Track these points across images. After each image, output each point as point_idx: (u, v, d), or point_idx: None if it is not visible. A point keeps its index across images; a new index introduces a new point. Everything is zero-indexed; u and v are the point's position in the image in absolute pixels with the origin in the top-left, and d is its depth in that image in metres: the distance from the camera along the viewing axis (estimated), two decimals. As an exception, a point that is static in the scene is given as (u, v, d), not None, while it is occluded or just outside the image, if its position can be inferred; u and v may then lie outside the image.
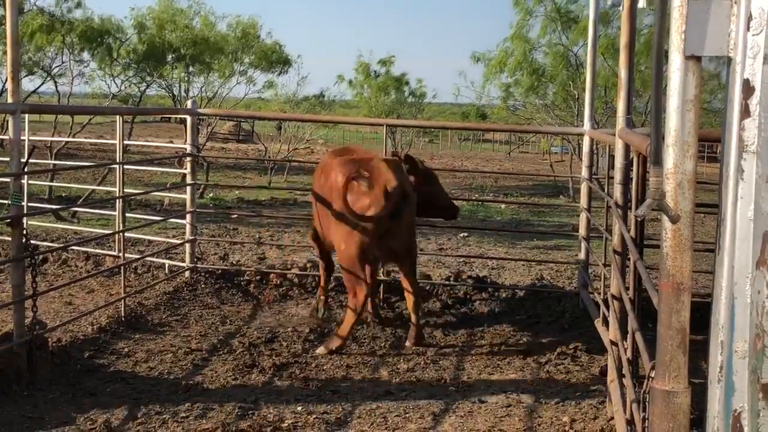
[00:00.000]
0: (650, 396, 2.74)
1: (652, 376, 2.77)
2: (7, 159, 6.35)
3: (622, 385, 4.97)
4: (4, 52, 9.94)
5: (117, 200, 8.50)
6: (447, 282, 9.36)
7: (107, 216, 13.49)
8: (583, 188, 9.04)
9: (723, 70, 2.63)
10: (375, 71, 31.86)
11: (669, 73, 2.59)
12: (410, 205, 7.29)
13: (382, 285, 8.94)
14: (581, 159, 9.33)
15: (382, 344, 7.49)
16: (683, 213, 2.60)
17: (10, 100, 6.18)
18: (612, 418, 5.52)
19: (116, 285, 8.88)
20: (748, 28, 2.46)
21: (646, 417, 2.96)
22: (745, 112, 2.47)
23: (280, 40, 26.24)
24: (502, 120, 28.76)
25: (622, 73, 5.68)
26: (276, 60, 26.12)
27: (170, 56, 23.02)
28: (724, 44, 2.51)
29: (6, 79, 6.26)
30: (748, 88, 2.46)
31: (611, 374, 5.62)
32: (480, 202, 20.99)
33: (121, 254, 8.54)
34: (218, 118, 25.69)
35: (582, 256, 9.01)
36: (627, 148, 5.64)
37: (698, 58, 2.53)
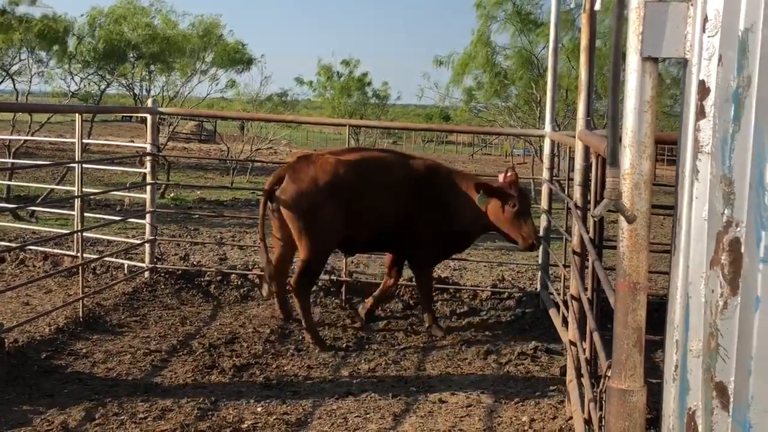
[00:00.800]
0: (607, 395, 2.76)
1: (609, 375, 2.78)
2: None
3: (580, 385, 5.01)
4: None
5: (76, 200, 8.41)
6: (409, 282, 9.36)
7: (66, 215, 13.34)
8: (544, 190, 9.10)
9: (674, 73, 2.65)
10: (338, 72, 31.86)
11: (626, 75, 2.61)
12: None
13: (344, 286, 8.94)
14: (542, 161, 9.39)
15: (344, 345, 7.48)
16: (640, 213, 2.62)
17: (-35, 97, 6.09)
18: (571, 418, 5.57)
19: (74, 285, 8.78)
20: (703, 30, 2.49)
21: (603, 416, 2.99)
22: (701, 113, 2.50)
23: (242, 39, 26.15)
24: (465, 122, 28.84)
25: (583, 75, 5.73)
26: (239, 59, 26.01)
27: (131, 55, 22.81)
28: (680, 46, 2.54)
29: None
30: (703, 89, 2.48)
31: (570, 374, 5.66)
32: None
33: (79, 254, 8.44)
34: (180, 117, 25.52)
35: (542, 257, 9.08)
36: (587, 149, 5.69)
37: (655, 60, 2.55)
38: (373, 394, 6.24)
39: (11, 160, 15.65)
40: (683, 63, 2.56)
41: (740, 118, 2.43)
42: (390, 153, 8.79)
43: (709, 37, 2.49)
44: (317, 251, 7.43)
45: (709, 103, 2.48)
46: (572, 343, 5.55)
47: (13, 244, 10.52)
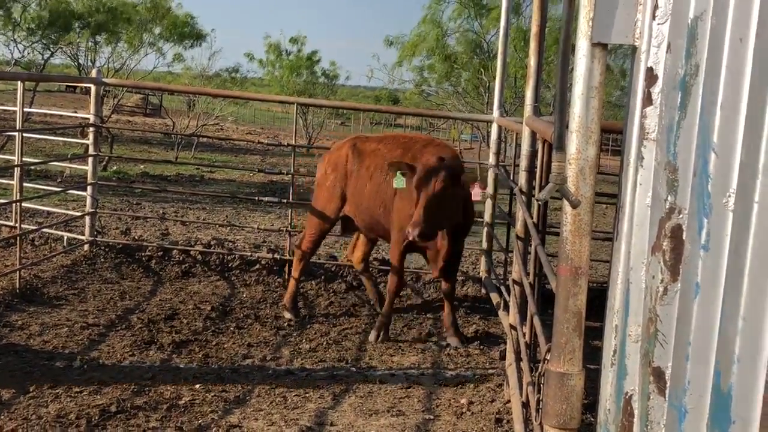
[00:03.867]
0: (545, 378, 2.78)
1: (548, 358, 2.80)
2: None
3: (519, 369, 5.06)
4: None
5: (16, 169, 8.23)
6: (352, 263, 9.35)
7: (4, 185, 13.05)
8: (490, 175, 9.14)
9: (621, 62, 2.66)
10: (286, 50, 31.62)
11: (575, 60, 2.62)
12: None
13: (286, 265, 8.90)
14: (489, 146, 9.43)
15: (285, 324, 7.45)
16: (584, 198, 2.63)
17: None
18: (509, 401, 5.62)
19: (12, 256, 8.60)
20: (653, 17, 2.51)
21: (541, 399, 3.01)
22: (647, 100, 2.51)
23: (191, 12, 25.75)
24: (414, 105, 28.85)
25: (532, 61, 5.75)
26: (188, 34, 25.65)
27: (76, 24, 22.35)
28: (630, 32, 2.55)
29: None
30: (651, 77, 2.50)
31: (509, 358, 5.71)
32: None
33: (17, 225, 8.27)
34: (125, 89, 25.12)
35: (486, 242, 9.13)
36: (533, 135, 5.73)
37: (604, 46, 2.56)
38: (313, 374, 6.23)
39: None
40: (632, 50, 2.58)
41: (686, 105, 2.45)
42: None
43: (658, 24, 2.50)
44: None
45: (657, 90, 2.50)
46: (512, 327, 5.59)
47: (-51, 213, 10.29)
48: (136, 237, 10.21)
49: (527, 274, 5.16)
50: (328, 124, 40.72)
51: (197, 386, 5.76)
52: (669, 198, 2.49)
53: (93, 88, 9.46)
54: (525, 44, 20.45)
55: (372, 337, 7.23)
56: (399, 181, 6.92)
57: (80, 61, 23.87)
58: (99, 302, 7.69)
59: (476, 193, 6.89)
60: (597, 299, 3.25)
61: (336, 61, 43.11)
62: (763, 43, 2.36)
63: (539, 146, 5.17)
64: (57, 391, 5.49)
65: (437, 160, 6.73)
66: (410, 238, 6.55)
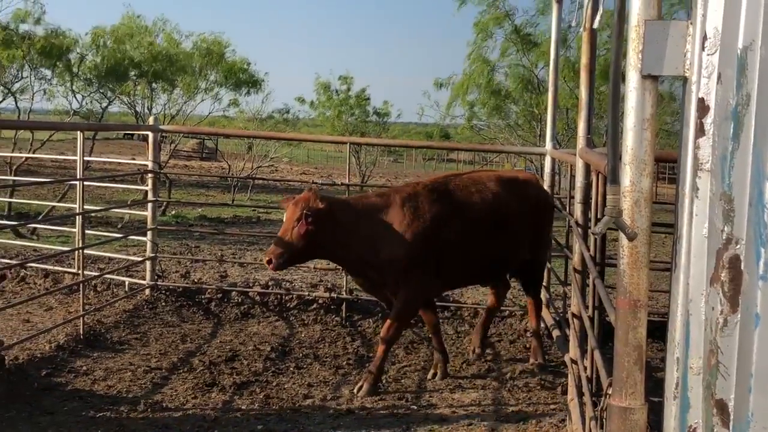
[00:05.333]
0: (608, 413, 2.75)
1: (610, 393, 2.78)
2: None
3: (581, 403, 5.00)
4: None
5: (77, 217, 8.41)
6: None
7: (67, 233, 13.36)
8: (545, 208, 9.09)
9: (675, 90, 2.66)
10: (336, 89, 31.87)
11: (626, 93, 2.62)
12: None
13: (344, 303, 8.94)
14: (543, 179, 9.39)
15: (344, 363, 7.46)
16: (640, 230, 2.62)
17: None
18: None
19: (75, 302, 8.77)
20: (703, 48, 2.50)
21: (604, 434, 2.97)
22: (700, 131, 2.50)
23: (247, 58, 26.09)
24: (466, 140, 28.84)
25: (583, 93, 5.74)
26: (245, 80, 25.95)
27: (133, 73, 22.81)
28: (680, 64, 2.55)
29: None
30: (703, 107, 2.49)
31: (571, 392, 5.65)
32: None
33: (80, 271, 8.44)
34: (181, 135, 25.52)
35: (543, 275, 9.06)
36: (587, 167, 5.70)
37: (655, 78, 2.56)
38: (373, 413, 6.23)
39: (13, 178, 15.68)
40: (683, 81, 2.57)
41: (739, 135, 2.44)
42: None
43: (708, 55, 2.50)
44: None
45: (709, 120, 2.48)
46: (573, 361, 5.54)
47: (14, 262, 10.50)
48: (195, 280, 10.34)
49: (586, 307, 5.12)
50: (381, 161, 40.93)
51: (259, 428, 5.79)
52: (726, 228, 2.47)
53: (151, 135, 9.66)
54: (574, 75, 20.38)
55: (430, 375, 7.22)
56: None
57: (137, 108, 24.32)
58: (161, 346, 7.79)
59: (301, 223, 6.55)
60: (658, 330, 3.21)
61: (388, 100, 43.36)
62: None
63: (593, 178, 5.15)
64: (122, 435, 5.57)
65: (307, 190, 6.76)
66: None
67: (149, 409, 6.05)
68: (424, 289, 6.99)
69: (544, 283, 8.96)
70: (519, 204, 7.34)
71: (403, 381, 7.06)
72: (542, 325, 7.88)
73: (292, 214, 6.53)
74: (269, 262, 6.47)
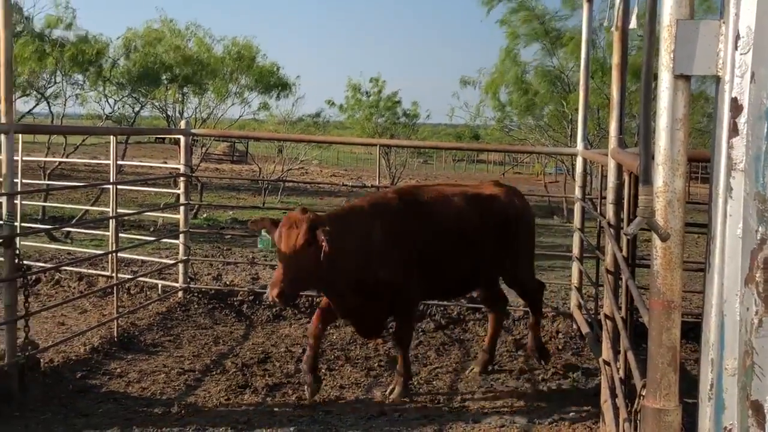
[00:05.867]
0: (642, 414, 2.74)
1: (644, 394, 2.76)
2: (0, 179, 6.37)
3: (615, 405, 4.97)
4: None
5: (110, 220, 8.49)
6: (441, 302, 9.36)
7: (100, 236, 13.49)
8: (577, 208, 9.07)
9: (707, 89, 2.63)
10: (366, 92, 31.87)
11: (658, 93, 2.60)
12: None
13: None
14: (575, 179, 9.35)
15: (376, 365, 7.47)
16: (673, 231, 2.61)
17: (3, 121, 6.20)
18: (605, 438, 5.52)
19: (109, 305, 8.85)
20: (736, 47, 2.48)
21: (638, 435, 2.96)
22: (734, 131, 2.48)
23: (277, 62, 26.11)
24: (496, 141, 28.76)
25: (614, 93, 5.71)
26: (275, 84, 26.00)
27: (164, 77, 22.94)
28: (712, 63, 2.52)
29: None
30: (736, 107, 2.47)
31: (604, 394, 5.61)
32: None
33: (114, 274, 8.52)
34: (212, 138, 25.68)
35: (575, 276, 9.03)
36: (619, 167, 5.67)
37: (687, 77, 2.54)
38: (405, 415, 6.23)
39: (47, 182, 15.84)
40: (715, 80, 2.55)
41: (774, 135, 2.41)
42: None
43: (741, 54, 2.48)
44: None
45: (742, 120, 2.46)
46: (606, 362, 5.51)
47: (49, 265, 10.64)
48: (227, 282, 10.40)
49: (619, 308, 5.09)
50: (411, 163, 40.88)
51: (291, 429, 5.82)
52: (760, 229, 2.44)
53: (182, 138, 9.73)
54: (603, 75, 20.25)
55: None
56: (263, 242, 6.46)
57: (168, 112, 24.46)
58: (194, 348, 7.84)
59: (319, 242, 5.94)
60: (692, 331, 3.19)
61: (417, 101, 43.21)
62: None
63: (625, 178, 5.12)
64: (156, 437, 5.61)
65: (300, 210, 6.20)
66: (269, 301, 6.17)
67: (183, 411, 6.10)
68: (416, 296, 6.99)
69: (576, 284, 8.93)
70: (483, 219, 7.15)
71: (434, 383, 7.06)
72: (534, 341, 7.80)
73: (292, 238, 5.92)
74: (280, 294, 5.76)
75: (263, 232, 6.28)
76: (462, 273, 7.11)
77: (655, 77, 2.66)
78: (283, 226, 6.01)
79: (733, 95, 2.47)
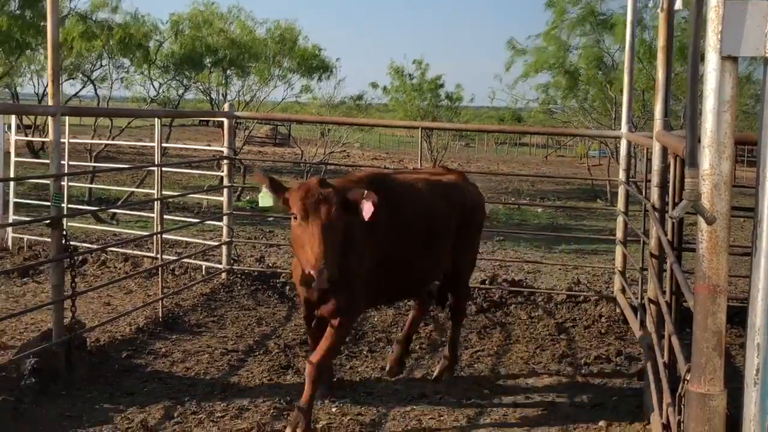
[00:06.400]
0: (686, 399, 2.72)
1: (688, 379, 2.74)
2: (48, 161, 6.46)
3: (658, 390, 4.94)
4: (46, 57, 10.00)
5: (155, 202, 8.57)
6: (482, 285, 9.35)
7: (145, 218, 13.65)
8: (621, 191, 8.98)
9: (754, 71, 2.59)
10: (410, 74, 31.73)
11: (705, 74, 2.57)
12: None
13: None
14: (618, 162, 9.26)
15: (417, 347, 7.48)
16: (719, 214, 2.58)
17: (50, 103, 6.27)
18: (648, 422, 5.49)
19: (154, 286, 8.95)
20: (785, 28, 2.44)
21: (682, 420, 2.94)
22: (782, 113, 2.44)
23: (318, 44, 26.09)
24: (539, 123, 28.56)
25: (660, 74, 5.65)
26: (317, 66, 26.00)
27: (208, 60, 23.06)
28: (760, 44, 2.49)
29: (47, 83, 6.34)
30: (785, 88, 2.43)
31: (648, 378, 5.58)
32: (516, 206, 20.92)
33: (158, 256, 8.62)
34: (255, 121, 25.77)
35: (619, 259, 8.97)
36: (664, 150, 5.61)
37: (735, 59, 2.51)
38: (446, 397, 6.23)
39: (92, 164, 16.02)
40: (763, 62, 2.51)
41: (823, 117, 2.37)
42: None
43: (790, 34, 2.43)
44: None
45: (791, 102, 2.42)
46: (650, 347, 5.47)
47: (95, 246, 10.78)
48: (270, 264, 10.46)
49: (663, 292, 5.05)
50: (453, 146, 40.75)
51: (333, 410, 5.85)
52: (809, 212, 2.41)
53: (226, 121, 9.79)
54: (649, 56, 19.99)
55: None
56: (265, 198, 5.50)
57: (212, 95, 24.61)
58: (237, 328, 7.91)
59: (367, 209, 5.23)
60: (737, 316, 3.16)
61: (460, 84, 42.94)
62: None
63: (671, 161, 5.06)
64: (200, 416, 5.67)
65: (317, 181, 5.36)
66: (321, 287, 5.08)
67: (226, 391, 6.16)
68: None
69: (619, 268, 8.86)
70: (447, 209, 6.41)
71: (476, 365, 7.05)
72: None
73: (324, 207, 5.10)
74: (332, 279, 4.95)
75: (264, 189, 5.43)
76: (425, 265, 6.35)
77: (702, 59, 2.63)
78: (306, 198, 5.14)
79: (782, 76, 2.43)
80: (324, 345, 5.56)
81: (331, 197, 5.14)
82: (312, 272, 4.94)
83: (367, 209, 5.21)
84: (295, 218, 5.18)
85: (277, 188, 5.40)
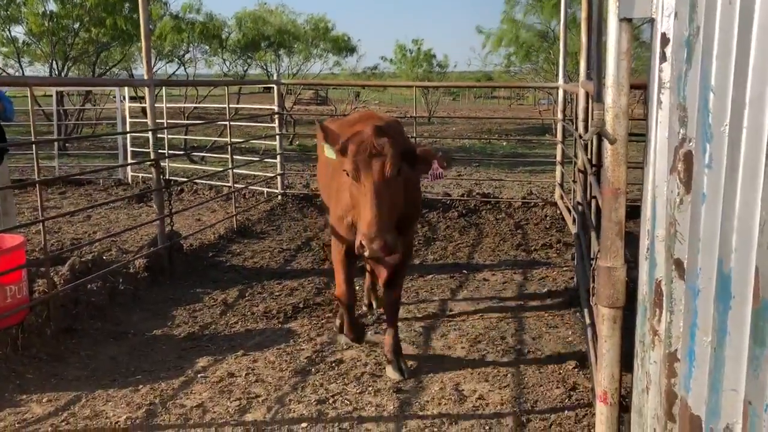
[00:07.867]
0: (597, 271, 2.68)
1: (599, 256, 2.70)
2: (147, 120, 6.39)
3: (582, 264, 4.91)
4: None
5: (229, 146, 8.50)
6: (462, 198, 9.28)
7: (224, 159, 13.56)
8: (559, 127, 8.84)
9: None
10: (410, 50, 31.45)
11: (608, 32, 2.46)
12: None
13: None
14: (557, 105, 9.08)
15: (415, 242, 7.44)
16: (619, 137, 2.50)
17: (145, 77, 6.17)
18: (577, 289, 5.48)
19: (230, 206, 8.94)
20: (664, -6, 2.31)
21: (595, 286, 2.91)
22: (663, 58, 2.34)
23: (347, 33, 25.90)
24: (503, 81, 28.07)
25: (583, 38, 5.48)
26: (344, 47, 25.82)
27: (263, 44, 22.81)
28: (648, 8, 2.37)
29: (144, 64, 6.24)
30: (664, 40, 2.32)
31: (577, 258, 5.55)
32: (488, 140, 20.68)
33: (232, 185, 8.57)
34: (300, 87, 25.43)
35: (558, 175, 8.87)
36: (587, 94, 5.46)
37: (630, 20, 2.39)
38: (436, 276, 6.23)
39: (186, 122, 15.90)
40: (650, 22, 2.39)
41: (691, 59, 2.26)
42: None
43: (668, -1, 2.31)
44: None
45: (669, 49, 2.31)
46: (577, 235, 5.42)
47: (185, 179, 10.76)
48: (313, 189, 10.41)
49: (585, 197, 4.97)
50: (443, 100, 40.16)
51: (358, 287, 5.85)
52: (681, 131, 2.31)
53: (275, 87, 9.64)
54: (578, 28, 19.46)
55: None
56: (328, 150, 3.64)
57: (269, 70, 24.25)
58: (290, 234, 7.90)
59: (437, 171, 3.56)
60: (634, 211, 3.10)
61: (447, 54, 42.13)
62: (746, 2, 2.13)
63: (589, 102, 4.93)
64: (264, 295, 5.71)
65: (372, 130, 3.44)
66: (369, 255, 3.27)
67: (282, 277, 6.18)
68: None
69: (558, 181, 8.75)
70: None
71: (457, 254, 7.01)
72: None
73: (384, 167, 3.34)
74: (384, 247, 3.22)
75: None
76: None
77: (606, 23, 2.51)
78: (359, 153, 3.37)
79: (662, 31, 2.32)
80: (396, 287, 4.21)
81: (387, 150, 3.36)
82: (363, 241, 3.24)
83: (439, 172, 3.56)
84: (348, 175, 3.43)
85: (333, 139, 3.57)
